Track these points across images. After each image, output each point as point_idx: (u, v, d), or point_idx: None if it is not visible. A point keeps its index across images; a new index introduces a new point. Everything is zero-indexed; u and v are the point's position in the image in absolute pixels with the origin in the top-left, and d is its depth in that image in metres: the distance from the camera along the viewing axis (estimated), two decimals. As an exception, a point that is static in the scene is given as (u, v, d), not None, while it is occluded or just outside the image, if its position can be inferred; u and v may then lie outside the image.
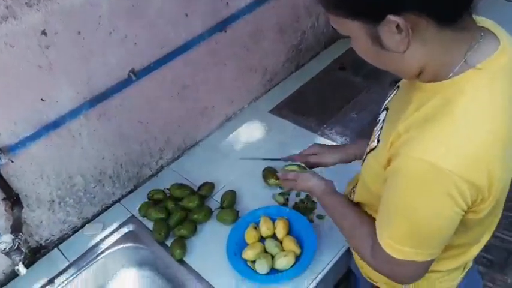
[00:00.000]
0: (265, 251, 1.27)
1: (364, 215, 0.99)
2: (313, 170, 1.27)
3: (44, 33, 1.09)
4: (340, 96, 1.85)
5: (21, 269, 1.16)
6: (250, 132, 1.75)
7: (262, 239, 1.31)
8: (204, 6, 1.46)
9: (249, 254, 1.25)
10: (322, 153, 1.28)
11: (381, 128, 0.89)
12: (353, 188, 1.09)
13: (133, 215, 1.46)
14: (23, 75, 1.11)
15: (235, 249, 1.28)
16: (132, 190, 1.56)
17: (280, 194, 1.43)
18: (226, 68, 1.68)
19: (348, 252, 1.25)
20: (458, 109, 0.69)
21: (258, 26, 1.72)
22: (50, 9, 1.08)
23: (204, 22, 1.49)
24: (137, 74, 1.35)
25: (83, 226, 1.45)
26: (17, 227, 1.20)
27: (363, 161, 0.96)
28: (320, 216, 1.36)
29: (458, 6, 0.67)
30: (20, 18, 1.04)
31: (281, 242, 1.29)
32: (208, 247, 1.33)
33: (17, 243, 1.15)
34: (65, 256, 1.37)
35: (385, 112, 0.92)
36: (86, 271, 1.34)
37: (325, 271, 1.23)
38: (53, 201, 1.33)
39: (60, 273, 1.32)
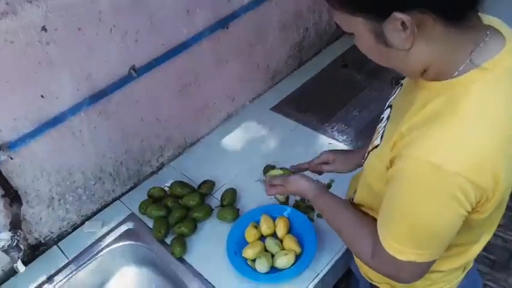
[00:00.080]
0: (266, 250, 1.27)
1: (363, 215, 0.98)
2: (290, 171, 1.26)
3: (44, 29, 1.09)
4: (343, 94, 1.84)
5: (20, 266, 1.15)
6: (251, 130, 1.74)
7: (262, 238, 1.31)
8: (206, 2, 1.45)
9: (249, 252, 1.24)
10: (336, 161, 1.24)
11: (385, 126, 0.88)
12: (355, 189, 1.08)
13: (133, 213, 1.45)
14: (23, 71, 1.10)
15: (235, 247, 1.27)
16: (132, 187, 1.56)
17: (273, 195, 1.42)
18: (228, 65, 1.67)
19: (348, 252, 1.25)
20: (462, 109, 0.68)
21: (260, 23, 1.71)
22: (50, 5, 1.07)
23: (206, 19, 1.48)
24: (138, 71, 1.34)
25: (82, 223, 1.44)
26: (16, 224, 1.19)
27: (365, 159, 0.95)
28: (320, 215, 1.35)
29: (464, 4, 0.66)
30: (20, 14, 1.03)
31: (281, 241, 1.28)
32: (208, 245, 1.33)
33: (16, 241, 1.15)
34: (64, 253, 1.36)
35: (389, 110, 0.91)
36: (85, 269, 1.33)
37: (325, 270, 1.23)
38: (53, 198, 1.33)
39: (59, 271, 1.31)
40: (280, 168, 1.27)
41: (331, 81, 1.93)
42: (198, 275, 1.25)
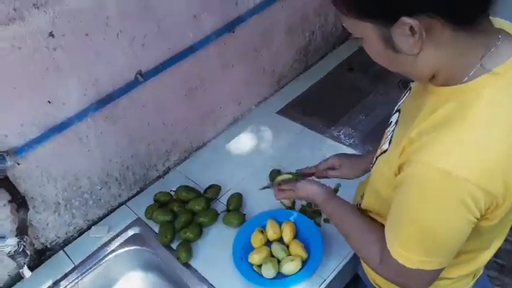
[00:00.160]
0: (272, 255, 1.26)
1: (372, 221, 0.97)
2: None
3: (51, 35, 1.09)
4: (349, 98, 1.83)
5: (26, 272, 1.16)
6: (257, 134, 1.73)
7: (268, 243, 1.30)
8: (213, 7, 1.45)
9: (255, 258, 1.24)
10: (343, 167, 1.22)
11: (393, 131, 0.87)
12: (362, 194, 1.07)
13: (139, 218, 1.45)
14: (30, 77, 1.10)
15: (241, 253, 1.27)
16: (139, 192, 1.56)
17: (282, 199, 1.41)
18: (234, 69, 1.67)
19: (355, 257, 1.24)
20: (473, 114, 0.67)
21: (266, 27, 1.71)
22: (57, 11, 1.07)
23: (212, 23, 1.48)
24: (144, 76, 1.34)
25: (88, 228, 1.44)
26: (22, 230, 1.19)
27: (373, 164, 0.94)
28: (327, 220, 1.34)
29: (474, 8, 0.65)
30: (27, 20, 1.03)
31: (288, 246, 1.28)
32: (214, 250, 1.32)
33: (22, 246, 1.15)
34: (70, 258, 1.36)
35: (397, 114, 0.91)
36: (91, 274, 1.33)
37: (332, 276, 1.22)
38: (59, 203, 1.33)
39: (65, 276, 1.31)
40: (289, 173, 1.27)
41: (337, 84, 1.92)
42: (203, 280, 1.25)
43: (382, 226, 0.85)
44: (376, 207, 0.98)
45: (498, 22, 0.73)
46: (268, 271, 1.20)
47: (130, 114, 1.38)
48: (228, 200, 1.43)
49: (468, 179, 0.65)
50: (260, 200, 1.42)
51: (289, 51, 1.89)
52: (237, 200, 1.42)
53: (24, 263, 1.17)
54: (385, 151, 0.86)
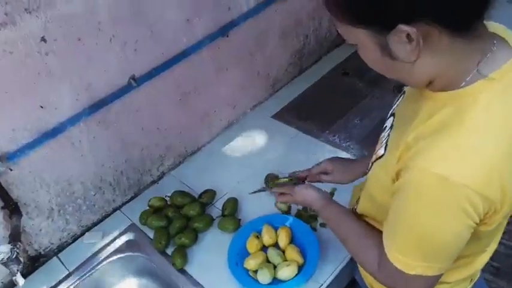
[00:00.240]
0: (268, 261, 1.25)
1: (369, 226, 0.96)
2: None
3: (43, 39, 1.08)
4: (344, 102, 1.83)
5: (19, 279, 1.14)
6: (252, 138, 1.73)
7: (264, 248, 1.29)
8: (206, 11, 1.44)
9: (250, 263, 1.23)
10: (336, 172, 1.22)
11: (388, 135, 0.87)
12: (358, 199, 1.07)
13: (133, 223, 1.44)
14: (22, 82, 1.09)
15: (236, 258, 1.26)
16: (133, 197, 1.55)
17: (282, 201, 1.41)
18: (229, 73, 1.67)
19: (352, 261, 1.23)
20: (469, 119, 0.67)
21: (260, 31, 1.71)
22: (49, 16, 1.07)
23: (206, 27, 1.48)
24: (137, 81, 1.34)
25: (82, 234, 1.43)
26: (15, 236, 1.18)
27: (369, 170, 0.94)
28: (323, 225, 1.34)
29: (471, 14, 0.65)
30: (19, 25, 1.03)
31: (284, 251, 1.27)
32: (210, 256, 1.31)
33: (15, 253, 1.13)
34: (64, 265, 1.35)
35: (391, 118, 0.90)
36: (85, 280, 1.32)
37: (328, 281, 1.21)
38: (52, 209, 1.32)
39: (60, 283, 1.30)
40: (286, 177, 1.26)
41: (331, 88, 1.92)
42: (199, 286, 1.24)
43: (380, 231, 0.84)
44: (372, 212, 0.98)
45: (492, 26, 0.73)
46: (264, 276, 1.19)
47: (123, 119, 1.37)
48: (223, 205, 1.42)
49: (466, 184, 0.64)
50: (255, 205, 1.42)
51: (283, 55, 1.89)
52: (233, 205, 1.41)
53: (18, 270, 1.16)
54: (380, 156, 0.86)
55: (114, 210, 1.50)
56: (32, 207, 1.26)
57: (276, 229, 1.31)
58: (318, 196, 1.08)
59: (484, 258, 0.94)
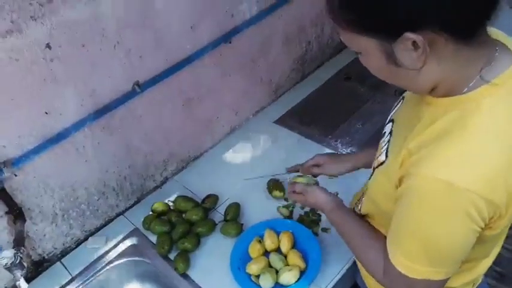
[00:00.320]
0: (270, 265, 1.25)
1: (375, 231, 0.96)
2: (317, 180, 1.25)
3: (48, 46, 1.10)
4: (346, 107, 1.84)
5: (23, 284, 1.14)
6: (255, 143, 1.74)
7: (266, 253, 1.30)
8: (209, 18, 1.46)
9: (253, 268, 1.23)
10: (326, 164, 1.26)
11: (388, 141, 0.87)
12: (358, 200, 1.07)
13: (136, 228, 1.45)
14: (27, 88, 1.11)
15: (239, 263, 1.26)
16: (136, 202, 1.55)
17: (284, 206, 1.41)
18: (231, 79, 1.68)
19: (354, 265, 1.23)
20: (473, 125, 0.67)
21: (263, 37, 1.72)
22: (54, 23, 1.08)
23: (209, 34, 1.49)
24: (141, 86, 1.35)
25: (86, 239, 1.44)
26: (19, 241, 1.19)
27: (370, 176, 0.94)
28: (325, 229, 1.34)
29: (476, 22, 0.65)
30: (24, 32, 1.04)
31: (286, 256, 1.27)
32: (212, 261, 1.32)
33: (19, 258, 1.14)
34: (67, 270, 1.35)
35: (390, 124, 0.91)
36: (88, 285, 1.33)
37: (330, 285, 1.21)
38: (56, 214, 1.33)
39: (63, 288, 1.31)
40: (303, 177, 1.27)
41: (334, 94, 1.93)
42: (201, 291, 1.24)
43: (384, 236, 0.84)
44: (375, 219, 0.98)
45: (494, 33, 0.73)
46: (266, 281, 1.19)
47: (127, 124, 1.38)
48: (225, 210, 1.43)
49: (471, 189, 0.65)
50: (258, 210, 1.42)
51: (286, 61, 1.90)
52: (235, 210, 1.42)
53: (21, 275, 1.16)
54: (382, 163, 0.86)
55: (118, 215, 1.51)
56: (36, 212, 1.27)
57: (278, 234, 1.32)
58: (328, 199, 1.09)
59: (487, 262, 0.94)
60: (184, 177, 1.63)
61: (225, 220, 1.40)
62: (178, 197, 1.48)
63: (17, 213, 1.20)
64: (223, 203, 1.49)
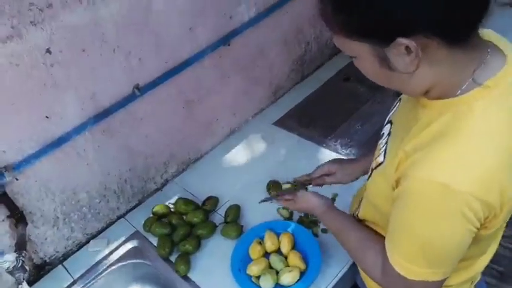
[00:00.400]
0: (270, 267, 1.26)
1: (372, 233, 0.97)
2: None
3: (48, 51, 1.10)
4: (345, 108, 1.84)
5: (25, 287, 1.15)
6: (254, 145, 1.74)
7: (266, 254, 1.30)
8: (208, 20, 1.47)
9: (253, 269, 1.24)
10: (339, 172, 1.22)
11: (386, 142, 0.88)
12: (358, 206, 1.07)
13: (137, 230, 1.45)
14: (28, 93, 1.11)
15: (239, 264, 1.27)
16: (137, 205, 1.56)
17: (284, 207, 1.42)
18: (231, 81, 1.68)
19: (353, 266, 1.24)
20: (466, 127, 0.68)
21: (262, 39, 1.72)
22: (54, 28, 1.09)
23: (208, 36, 1.50)
24: (141, 89, 1.36)
25: (87, 242, 1.45)
26: (21, 245, 1.19)
27: (369, 177, 0.95)
28: (325, 230, 1.35)
29: (469, 25, 0.66)
30: (25, 38, 1.05)
31: (286, 257, 1.28)
32: (213, 263, 1.32)
33: (21, 262, 1.15)
34: (69, 273, 1.36)
35: (389, 126, 0.91)
36: (90, 288, 1.34)
37: (330, 286, 1.22)
38: (58, 217, 1.33)
39: (65, 291, 1.32)
40: (288, 183, 1.27)
41: (333, 94, 1.94)
42: (203, 293, 1.25)
43: (382, 237, 0.85)
44: (373, 218, 0.98)
45: (486, 34, 0.74)
46: (266, 282, 1.20)
47: (127, 127, 1.39)
48: (226, 212, 1.43)
49: (466, 191, 0.65)
50: (258, 212, 1.43)
51: (285, 62, 1.91)
52: (235, 212, 1.43)
53: (23, 279, 1.17)
54: (380, 164, 0.87)
55: (119, 217, 1.52)
56: (37, 216, 1.28)
57: (278, 235, 1.32)
58: (319, 202, 1.09)
59: (484, 260, 0.94)
60: (185, 180, 1.64)
61: (226, 222, 1.41)
62: (178, 199, 1.49)
63: (18, 217, 1.21)
64: (223, 205, 1.50)
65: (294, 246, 1.31)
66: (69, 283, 1.33)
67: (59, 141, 1.22)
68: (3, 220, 1.21)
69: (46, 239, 1.33)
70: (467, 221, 0.68)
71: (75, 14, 1.11)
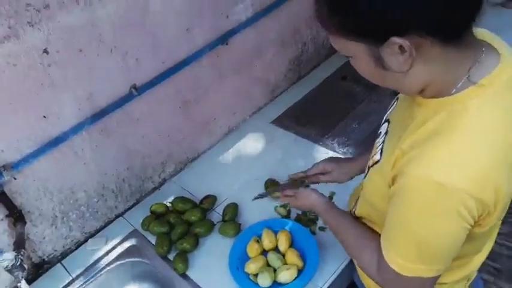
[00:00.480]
0: (268, 264, 1.27)
1: (369, 230, 0.98)
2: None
3: (45, 51, 1.11)
4: (342, 107, 1.85)
5: (24, 285, 1.16)
6: (252, 144, 1.75)
7: (264, 252, 1.31)
8: (205, 20, 1.47)
9: (251, 267, 1.25)
10: (335, 171, 1.23)
11: (383, 141, 0.89)
12: (355, 204, 1.08)
13: (136, 229, 1.46)
14: (25, 93, 1.12)
15: (237, 262, 1.27)
16: (135, 204, 1.57)
17: (282, 206, 1.43)
18: (228, 81, 1.69)
19: (350, 264, 1.25)
20: (461, 125, 0.68)
21: (259, 38, 1.73)
22: (51, 28, 1.10)
23: (205, 36, 1.50)
24: (139, 89, 1.36)
25: (86, 241, 1.45)
26: (19, 244, 1.20)
27: (365, 175, 0.95)
28: (322, 228, 1.36)
29: (461, 25, 0.66)
30: (22, 38, 1.06)
31: (284, 255, 1.29)
32: (211, 261, 1.33)
33: (20, 260, 1.16)
34: (68, 271, 1.37)
35: (386, 124, 0.92)
36: (88, 286, 1.34)
37: (328, 284, 1.23)
38: (56, 216, 1.34)
39: (63, 289, 1.32)
40: (287, 180, 1.28)
41: (330, 94, 1.95)
42: (200, 291, 1.26)
43: (378, 235, 0.86)
44: (369, 216, 0.99)
45: (480, 33, 0.74)
46: (264, 280, 1.21)
47: (125, 127, 1.40)
48: (223, 210, 1.44)
49: (460, 188, 0.66)
50: (255, 210, 1.44)
51: (282, 62, 1.92)
52: (233, 210, 1.43)
53: (22, 277, 1.18)
54: (377, 162, 0.87)
55: (117, 216, 1.53)
56: (35, 215, 1.29)
57: (275, 233, 1.33)
58: (321, 200, 1.10)
59: (479, 258, 0.95)
60: (183, 179, 1.65)
61: (223, 220, 1.42)
62: (176, 198, 1.50)
63: (17, 216, 1.22)
64: (221, 203, 1.50)
65: (292, 244, 1.31)
66: (67, 281, 1.34)
67: (56, 141, 1.23)
68: (1, 219, 1.21)
69: (44, 237, 1.34)
70: (462, 219, 0.69)
71: (72, 15, 1.12)
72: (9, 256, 1.15)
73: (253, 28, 1.67)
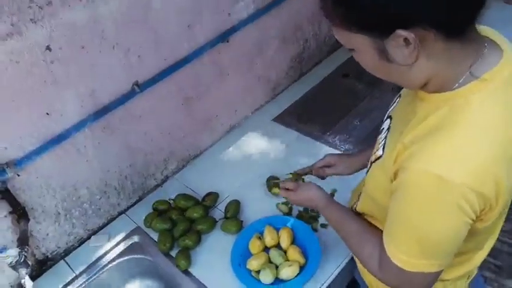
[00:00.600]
0: (270, 261, 1.27)
1: (370, 226, 0.98)
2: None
3: (48, 48, 1.11)
4: (344, 104, 1.85)
5: (28, 282, 1.17)
6: (254, 141, 1.75)
7: (266, 249, 1.31)
8: (206, 17, 1.47)
9: (253, 264, 1.25)
10: (338, 164, 1.25)
11: (386, 137, 0.89)
12: (357, 199, 1.08)
13: (138, 226, 1.47)
14: (28, 90, 1.12)
15: (239, 259, 1.28)
16: (137, 201, 1.57)
17: (284, 203, 1.43)
18: (230, 78, 1.69)
19: (352, 261, 1.25)
20: (463, 120, 0.69)
21: (260, 36, 1.73)
22: (54, 25, 1.10)
23: (207, 33, 1.51)
24: (141, 86, 1.36)
25: (89, 238, 1.46)
26: (23, 240, 1.21)
27: (367, 170, 0.96)
28: (324, 225, 1.36)
29: (465, 19, 0.67)
30: (24, 35, 1.06)
31: (285, 252, 1.29)
32: (213, 257, 1.33)
33: (23, 257, 1.16)
34: (71, 268, 1.38)
35: (388, 121, 0.92)
36: (91, 283, 1.35)
37: (329, 280, 1.23)
38: (59, 213, 1.34)
39: (66, 286, 1.33)
40: (291, 173, 1.29)
41: (332, 91, 1.95)
42: (202, 287, 1.26)
43: (380, 230, 0.86)
44: (371, 211, 0.99)
45: (483, 29, 0.75)
46: (266, 277, 1.21)
47: (127, 124, 1.40)
48: (225, 207, 1.45)
49: (461, 182, 0.66)
50: (257, 207, 1.44)
51: (283, 59, 1.92)
52: (235, 207, 1.44)
53: (26, 273, 1.18)
54: (379, 157, 0.87)
55: (119, 213, 1.53)
56: (39, 211, 1.29)
57: (277, 230, 1.34)
58: (322, 195, 1.10)
59: (481, 255, 0.95)
60: (185, 176, 1.65)
61: (226, 217, 1.42)
62: (178, 195, 1.50)
63: (20, 213, 1.22)
64: (223, 200, 1.51)
65: (294, 241, 1.32)
66: (71, 278, 1.34)
67: (59, 138, 1.23)
68: (5, 216, 1.22)
69: (48, 234, 1.35)
70: (464, 213, 0.69)
71: (74, 12, 1.12)
72: (13, 252, 1.16)
73: (255, 25, 1.67)
